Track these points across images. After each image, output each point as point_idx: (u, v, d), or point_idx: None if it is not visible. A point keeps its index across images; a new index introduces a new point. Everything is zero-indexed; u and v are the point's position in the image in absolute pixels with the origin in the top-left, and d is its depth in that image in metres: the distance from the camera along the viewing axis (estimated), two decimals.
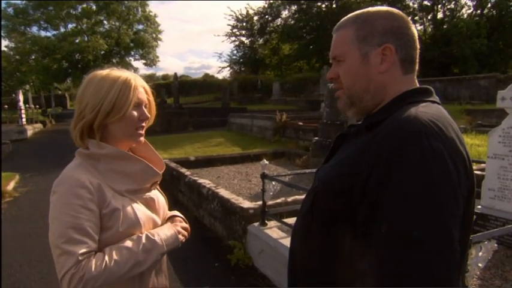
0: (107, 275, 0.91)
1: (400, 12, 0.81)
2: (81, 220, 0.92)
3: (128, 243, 0.97)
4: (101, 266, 0.90)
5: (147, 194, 1.09)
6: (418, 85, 0.82)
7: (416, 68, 0.82)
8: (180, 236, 1.11)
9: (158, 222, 1.11)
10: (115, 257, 0.93)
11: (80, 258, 0.89)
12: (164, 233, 1.06)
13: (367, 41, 0.78)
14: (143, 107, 1.06)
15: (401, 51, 0.78)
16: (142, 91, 1.07)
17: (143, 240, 0.99)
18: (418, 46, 0.82)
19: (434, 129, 0.66)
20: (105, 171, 1.01)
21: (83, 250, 0.90)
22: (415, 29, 0.82)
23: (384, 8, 0.82)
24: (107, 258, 0.92)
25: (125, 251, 0.96)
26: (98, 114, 0.99)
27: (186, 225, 1.17)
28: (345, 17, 0.84)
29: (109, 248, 0.95)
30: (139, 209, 1.04)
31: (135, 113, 1.03)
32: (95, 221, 0.95)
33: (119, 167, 1.02)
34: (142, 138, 1.09)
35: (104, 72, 1.04)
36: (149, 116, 1.09)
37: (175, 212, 1.24)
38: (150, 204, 1.09)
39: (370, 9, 0.82)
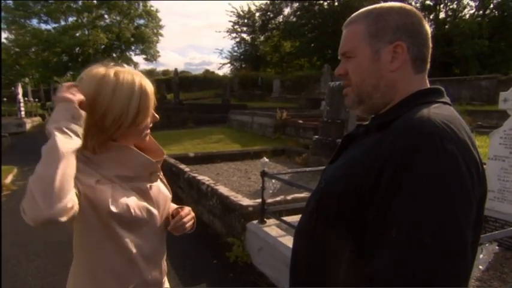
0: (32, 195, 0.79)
1: (414, 9, 0.78)
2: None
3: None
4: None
5: (144, 183, 1.07)
6: (429, 85, 0.79)
7: (428, 67, 0.80)
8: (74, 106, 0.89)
9: (154, 212, 1.07)
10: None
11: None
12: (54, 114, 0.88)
13: (378, 38, 0.76)
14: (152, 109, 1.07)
15: (413, 49, 0.76)
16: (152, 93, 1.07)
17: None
18: (431, 45, 0.79)
19: (447, 131, 0.64)
20: (98, 161, 1.00)
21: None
22: (428, 27, 0.79)
23: (397, 3, 0.78)
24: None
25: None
26: (120, 126, 0.98)
27: (184, 221, 1.14)
28: (357, 12, 0.82)
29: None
30: (129, 196, 1.01)
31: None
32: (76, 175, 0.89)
33: (113, 156, 1.02)
34: (148, 137, 1.11)
35: (110, 73, 0.98)
36: (158, 117, 1.09)
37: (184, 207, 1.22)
38: (144, 194, 1.06)
39: (383, 4, 0.79)
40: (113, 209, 0.96)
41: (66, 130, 0.85)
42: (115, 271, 1.03)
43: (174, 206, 1.24)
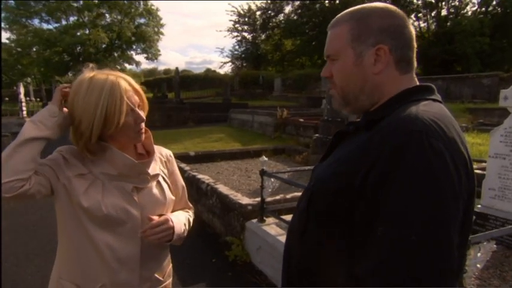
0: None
1: (397, 10, 0.78)
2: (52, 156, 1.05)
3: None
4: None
5: (130, 184, 1.05)
6: (418, 83, 0.79)
7: (415, 66, 0.80)
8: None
9: (134, 214, 1.04)
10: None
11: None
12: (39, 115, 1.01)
13: (361, 40, 0.76)
14: (137, 109, 1.04)
15: (396, 51, 0.75)
16: (132, 93, 1.04)
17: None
18: (415, 45, 0.79)
19: (435, 128, 0.63)
20: (93, 157, 1.05)
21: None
22: (412, 28, 0.79)
23: (381, 4, 0.78)
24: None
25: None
26: (92, 130, 0.99)
27: (157, 230, 1.05)
28: (340, 14, 0.81)
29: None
30: (106, 195, 1.02)
31: (130, 118, 1.02)
32: (52, 165, 1.01)
33: (101, 153, 1.05)
34: (143, 138, 1.09)
35: (86, 79, 1.00)
36: (144, 118, 1.07)
37: (178, 215, 1.17)
38: (128, 194, 1.05)
39: (367, 5, 0.79)
40: (83, 202, 0.99)
41: (37, 122, 0.97)
42: (86, 265, 1.04)
43: (179, 212, 1.21)
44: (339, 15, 0.82)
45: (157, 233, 1.05)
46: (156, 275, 1.14)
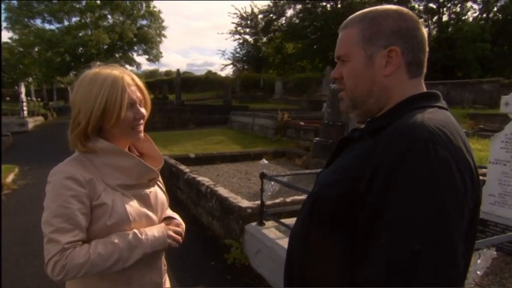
0: (89, 267, 0.92)
1: (410, 12, 0.77)
2: (70, 210, 0.94)
3: (114, 238, 0.98)
4: (84, 257, 0.92)
5: (144, 189, 1.09)
6: (425, 89, 0.78)
7: (424, 71, 0.78)
8: (169, 240, 1.09)
9: (153, 218, 1.09)
10: (100, 250, 0.94)
11: (66, 246, 0.91)
12: (152, 233, 1.05)
13: (372, 42, 0.75)
14: (138, 105, 1.04)
15: (408, 54, 0.74)
16: (135, 89, 1.04)
17: (130, 237, 1.00)
18: (427, 49, 0.77)
19: (441, 137, 0.63)
20: (100, 165, 1.02)
21: (69, 239, 0.92)
22: (424, 31, 0.78)
23: (393, 7, 0.77)
24: (91, 250, 0.94)
25: (110, 245, 0.96)
26: (89, 120, 0.99)
27: (179, 230, 1.15)
28: (353, 15, 0.80)
29: (95, 241, 0.97)
30: (131, 204, 1.03)
31: (130, 113, 1.02)
32: (84, 211, 0.96)
33: (113, 162, 1.02)
34: (141, 135, 1.08)
35: (91, 72, 1.02)
36: (145, 114, 1.07)
37: (173, 214, 1.22)
38: (145, 200, 1.08)
39: (379, 7, 0.78)
40: (114, 221, 0.99)
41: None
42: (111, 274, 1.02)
43: (169, 212, 1.25)
44: (350, 17, 0.81)
45: (181, 235, 1.15)
46: (163, 265, 1.20)
